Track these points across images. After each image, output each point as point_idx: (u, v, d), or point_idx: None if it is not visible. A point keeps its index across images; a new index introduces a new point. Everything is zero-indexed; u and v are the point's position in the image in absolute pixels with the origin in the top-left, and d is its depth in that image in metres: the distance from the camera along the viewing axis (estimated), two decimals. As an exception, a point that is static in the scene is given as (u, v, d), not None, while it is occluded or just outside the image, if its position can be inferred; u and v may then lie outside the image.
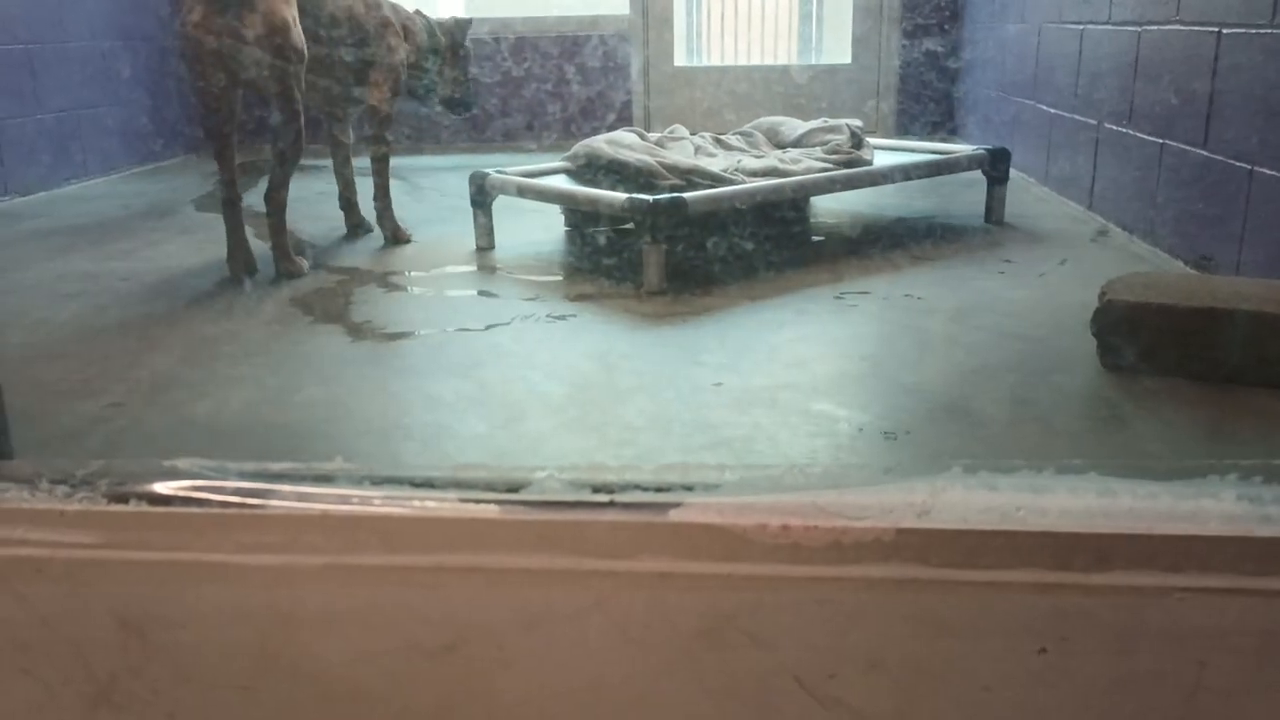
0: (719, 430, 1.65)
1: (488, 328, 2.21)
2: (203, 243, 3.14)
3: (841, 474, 0.62)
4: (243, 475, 0.63)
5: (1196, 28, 2.41)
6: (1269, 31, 2.11)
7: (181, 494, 0.63)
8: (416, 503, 0.60)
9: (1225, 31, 2.28)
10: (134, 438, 1.67)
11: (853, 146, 2.98)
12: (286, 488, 0.62)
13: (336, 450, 1.66)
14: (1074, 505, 0.58)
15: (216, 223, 3.41)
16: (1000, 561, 0.57)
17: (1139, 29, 2.73)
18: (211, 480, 0.64)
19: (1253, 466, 0.58)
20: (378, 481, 0.62)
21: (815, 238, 3.02)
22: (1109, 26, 2.94)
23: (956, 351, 2.04)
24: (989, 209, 3.06)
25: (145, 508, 0.62)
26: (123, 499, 0.63)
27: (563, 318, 2.26)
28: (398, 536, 0.60)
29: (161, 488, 0.63)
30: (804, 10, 4.64)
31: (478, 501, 0.60)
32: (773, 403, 1.78)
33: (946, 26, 4.41)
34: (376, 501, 0.61)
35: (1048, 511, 0.58)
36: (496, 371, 2.00)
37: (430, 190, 3.98)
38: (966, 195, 3.20)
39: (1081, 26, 3.15)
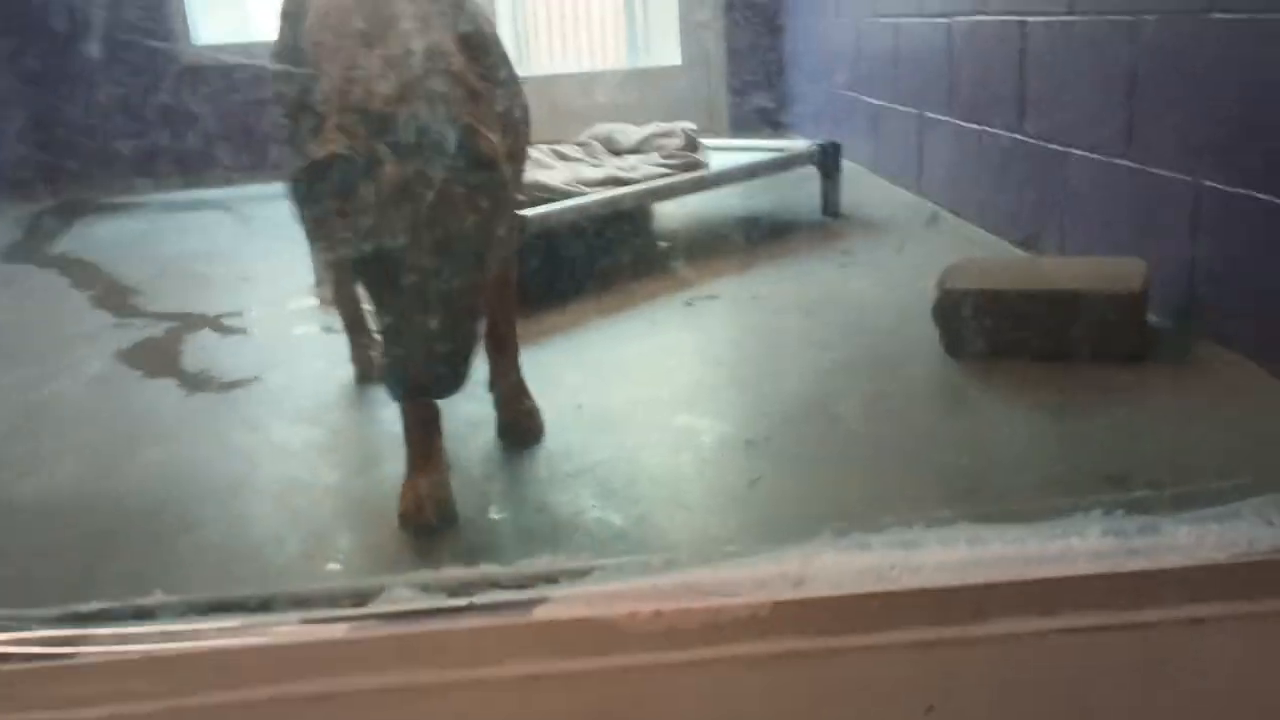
0: (582, 456, 1.62)
1: (332, 366, 2.11)
2: (13, 298, 2.92)
3: (713, 550, 0.60)
4: (48, 622, 0.57)
5: (1002, 17, 2.51)
6: (1068, 18, 2.21)
7: (-20, 652, 0.56)
8: (254, 630, 0.55)
9: (1029, 20, 2.38)
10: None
11: (688, 149, 3.00)
12: (102, 630, 0.56)
13: (182, 518, 1.57)
14: (947, 558, 0.57)
15: (25, 275, 3.19)
16: (879, 623, 0.56)
17: (949, 20, 2.83)
18: (13, 632, 0.57)
19: (1115, 500, 0.59)
20: (206, 609, 0.57)
21: (660, 244, 3.02)
22: (920, 19, 3.04)
23: (808, 350, 2.07)
24: (825, 202, 3.13)
25: (-62, 673, 0.55)
26: (-91, 665, 0.55)
27: (411, 350, 2.19)
28: (236, 669, 0.54)
29: (-45, 648, 0.56)
30: (629, 12, 4.65)
31: (323, 621, 0.56)
32: (633, 420, 1.77)
33: (771, 23, 4.49)
34: (208, 634, 0.55)
35: (921, 567, 0.57)
36: (345, 414, 1.92)
37: (262, 222, 3.82)
38: (803, 189, 3.26)
39: (895, 19, 3.25)
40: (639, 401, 1.83)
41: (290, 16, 1.64)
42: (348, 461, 1.72)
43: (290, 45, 1.72)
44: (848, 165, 3.22)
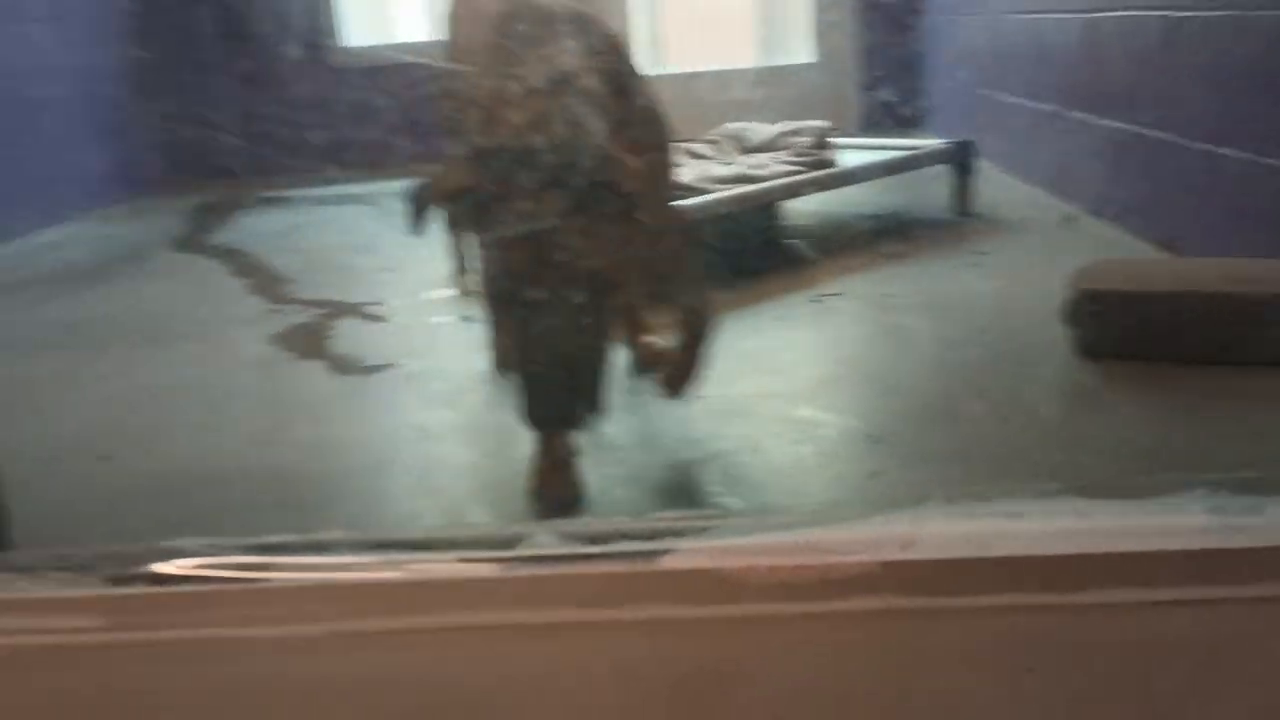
0: (706, 444, 1.66)
1: (469, 353, 2.21)
2: (178, 284, 3.13)
3: (827, 512, 0.64)
4: (241, 549, 0.65)
5: (1149, 12, 2.44)
6: (1217, 14, 2.14)
7: (183, 573, 0.64)
8: (415, 565, 0.62)
9: (1177, 15, 2.31)
10: (125, 492, 1.66)
11: (819, 147, 3.01)
12: (286, 559, 0.64)
13: (331, 491, 1.68)
14: (1051, 528, 0.60)
15: (190, 263, 3.42)
16: (983, 587, 0.58)
17: (1093, 15, 2.76)
18: (211, 557, 0.65)
19: (1221, 480, 0.60)
20: (374, 546, 0.64)
21: (787, 241, 3.04)
22: (1061, 15, 2.97)
23: (935, 348, 2.06)
24: (958, 201, 3.09)
25: (147, 589, 0.64)
26: (124, 582, 0.64)
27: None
28: (398, 599, 0.61)
29: (162, 568, 0.64)
30: (762, 10, 4.66)
31: (474, 561, 0.62)
32: (756, 412, 1.80)
33: (905, 20, 4.44)
34: (375, 566, 0.62)
35: (1026, 536, 0.59)
36: (481, 398, 2.01)
37: (403, 216, 3.97)
38: (935, 188, 3.23)
39: (1035, 15, 3.18)
40: (762, 394, 1.86)
41: (454, 19, 1.68)
42: (483, 442, 1.80)
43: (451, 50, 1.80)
44: (983, 165, 3.18)
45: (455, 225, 2.09)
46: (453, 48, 1.70)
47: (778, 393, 1.87)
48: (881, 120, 4.40)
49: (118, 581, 0.64)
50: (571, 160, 1.20)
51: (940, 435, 1.67)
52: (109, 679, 0.63)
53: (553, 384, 1.23)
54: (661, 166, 1.51)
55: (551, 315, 1.21)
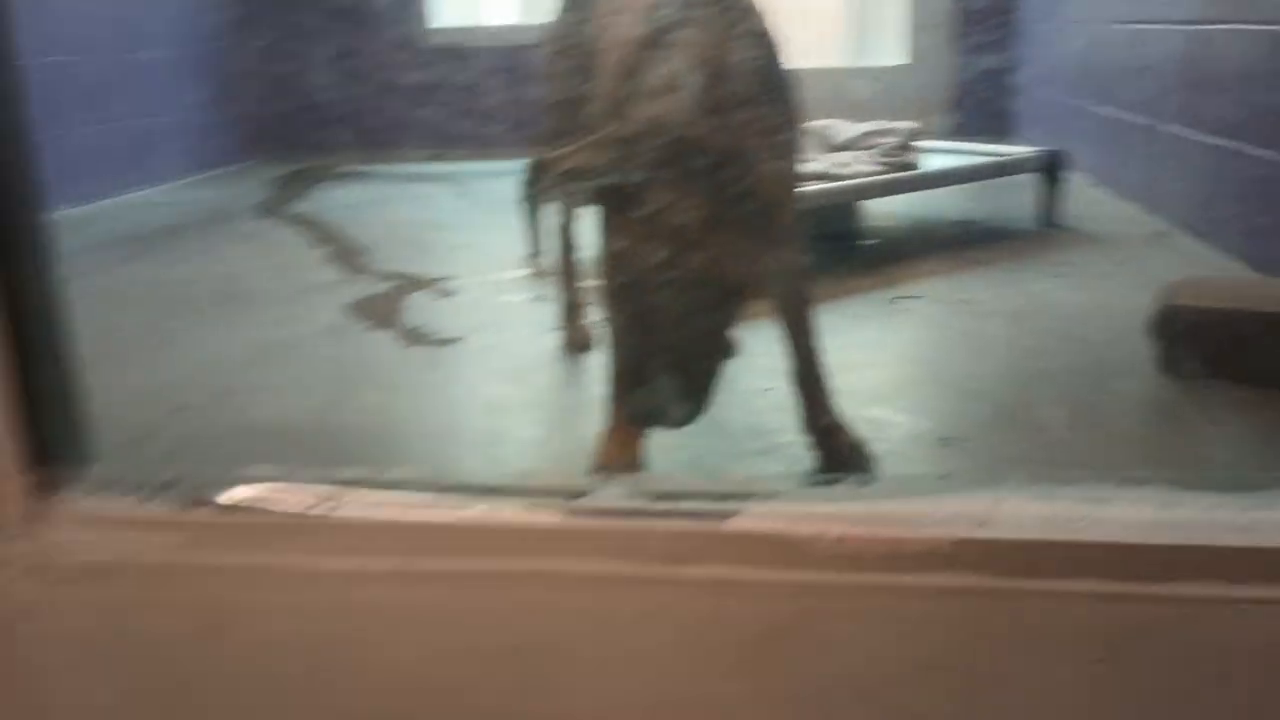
0: (771, 436, 1.65)
1: (539, 332, 2.22)
2: (260, 249, 3.20)
3: (900, 485, 0.63)
4: (312, 482, 0.66)
5: (1258, 27, 2.36)
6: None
7: (255, 500, 0.65)
8: (482, 509, 0.62)
9: (1287, 29, 2.24)
10: (199, 442, 1.71)
11: (905, 149, 2.96)
12: (356, 494, 0.64)
13: (394, 455, 1.70)
14: (1135, 517, 0.58)
15: (272, 230, 3.49)
16: (1059, 571, 0.57)
17: (1193, 28, 2.68)
18: (283, 487, 0.66)
19: (1318, 478, 0.57)
20: (444, 488, 0.64)
21: (867, 242, 3.00)
22: (1166, 26, 2.89)
23: (1014, 356, 2.02)
24: (1045, 211, 3.02)
25: (220, 513, 0.65)
26: (200, 504, 0.65)
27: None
28: (463, 541, 0.61)
29: (236, 494, 0.66)
30: (853, 10, 4.61)
31: (541, 508, 0.62)
32: (826, 407, 1.77)
33: (1002, 27, 4.36)
34: (443, 508, 0.63)
35: (1108, 522, 0.58)
36: (548, 376, 2.02)
37: (482, 196, 4.02)
38: (1023, 198, 3.16)
39: (1136, 26, 3.10)
40: (834, 391, 1.83)
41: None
42: (549, 419, 1.81)
43: (570, 27, 1.77)
44: (1072, 175, 3.10)
45: (569, 208, 2.08)
46: (587, 26, 1.66)
47: (849, 390, 1.84)
48: (971, 125, 4.33)
49: (193, 504, 0.65)
50: (711, 155, 1.14)
51: (1014, 443, 1.64)
52: (180, 596, 0.65)
53: (661, 382, 1.17)
54: (796, 161, 1.43)
55: (673, 313, 1.15)
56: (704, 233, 1.13)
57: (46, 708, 0.67)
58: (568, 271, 2.14)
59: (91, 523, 0.65)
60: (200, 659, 0.66)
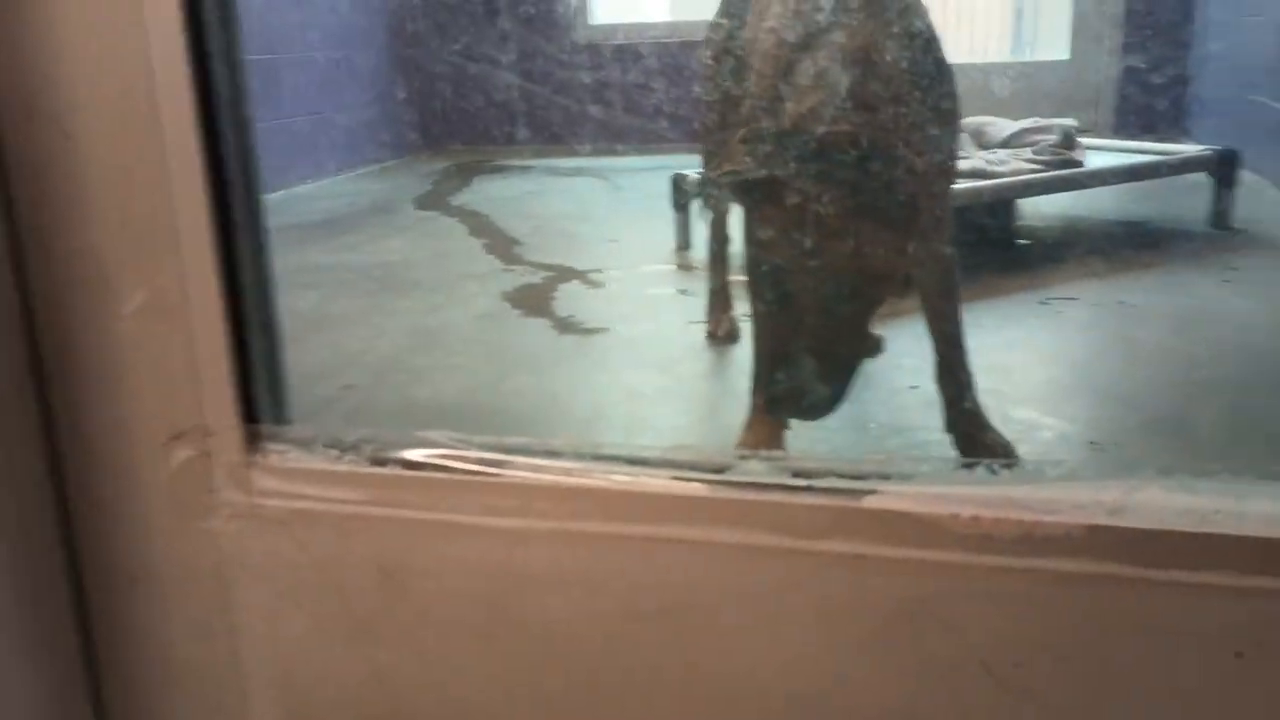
0: (914, 433, 1.65)
1: (685, 325, 2.27)
2: (420, 238, 3.35)
3: (1035, 470, 0.64)
4: (484, 446, 0.72)
5: None
6: None
7: (432, 460, 0.72)
8: (633, 478, 0.67)
9: None
10: (365, 416, 1.82)
11: (1064, 147, 2.88)
12: (521, 459, 0.70)
13: (544, 434, 1.77)
14: (1276, 511, 0.58)
15: (432, 220, 3.65)
16: (1196, 563, 0.57)
17: (1395, 19, 2.52)
18: (457, 450, 0.72)
19: None
20: (600, 458, 0.69)
21: (1021, 241, 2.93)
22: (1360, 17, 2.72)
23: (1173, 362, 1.96)
24: (1215, 213, 2.89)
25: (401, 471, 0.72)
26: (382, 463, 0.72)
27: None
28: (616, 506, 0.66)
29: (415, 454, 0.72)
30: (1017, 5, 4.49)
31: (687, 479, 0.66)
32: (971, 407, 1.76)
33: (1174, 17, 4.17)
34: (598, 475, 0.68)
35: (1247, 516, 0.58)
36: (692, 367, 2.07)
37: (632, 190, 4.10)
38: (1191, 199, 3.03)
39: (1327, 18, 2.93)
40: (980, 390, 1.82)
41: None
42: (692, 409, 1.85)
43: (727, 27, 1.80)
44: (1249, 176, 2.96)
45: (722, 204, 2.13)
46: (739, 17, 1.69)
47: (996, 390, 1.83)
48: (1139, 123, 4.16)
49: (377, 462, 0.72)
50: (860, 153, 1.14)
51: (1170, 452, 1.59)
52: (362, 546, 0.72)
53: (801, 375, 1.19)
54: (950, 147, 1.42)
55: (810, 305, 1.17)
56: (849, 225, 1.15)
57: (249, 632, 0.75)
58: (717, 264, 2.18)
59: (292, 475, 0.72)
60: (380, 600, 0.72)
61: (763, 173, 1.17)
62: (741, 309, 2.20)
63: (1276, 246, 2.73)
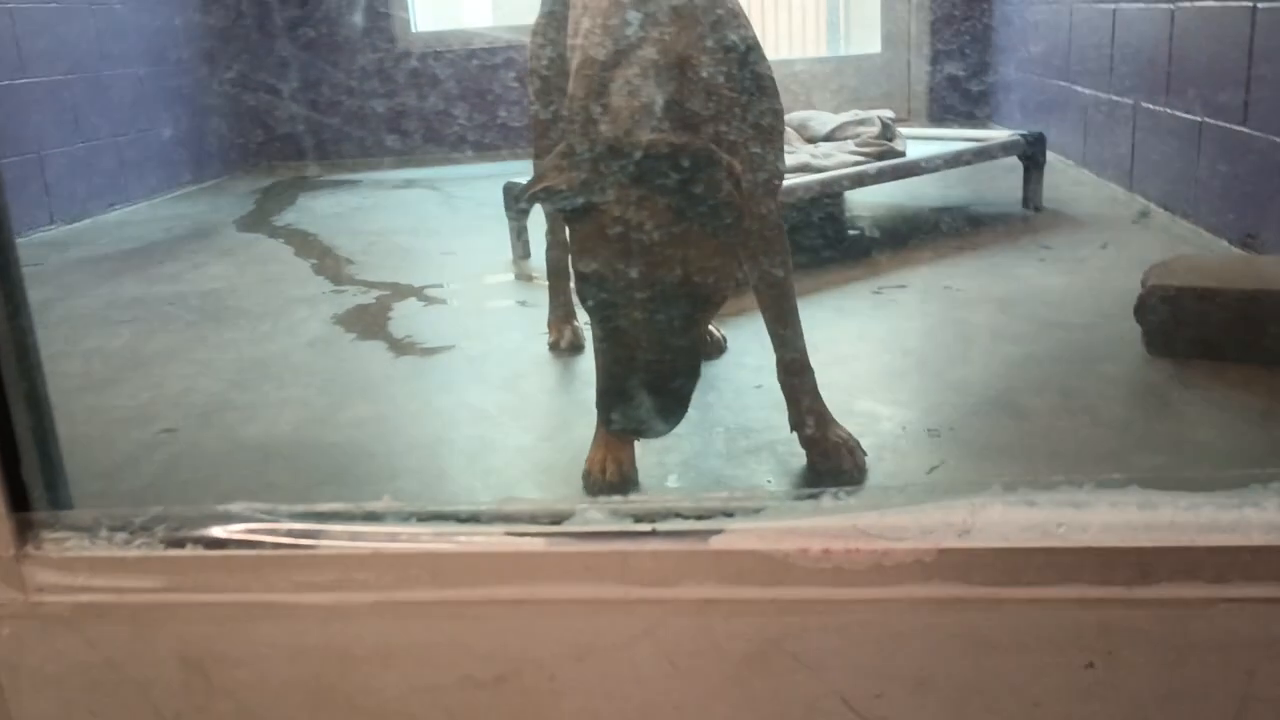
0: (762, 434, 1.65)
1: (527, 337, 2.22)
2: (243, 263, 3.19)
3: (882, 495, 0.63)
4: (294, 516, 0.65)
5: (1232, 4, 2.37)
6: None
7: (236, 537, 0.65)
8: (464, 537, 0.62)
9: (1262, 7, 2.24)
10: (189, 462, 1.70)
11: (884, 138, 2.96)
12: (337, 527, 0.64)
13: (385, 467, 1.70)
14: (1115, 520, 0.58)
15: (256, 243, 3.48)
16: (1043, 578, 0.57)
17: (1172, 6, 2.69)
18: (264, 523, 0.66)
19: (1296, 474, 0.58)
20: (425, 518, 0.64)
21: (850, 232, 3.00)
22: (1141, 4, 2.89)
23: (999, 343, 2.02)
24: (1026, 195, 3.03)
25: (202, 551, 0.65)
26: (180, 544, 0.65)
27: (599, 325, 2.27)
28: (446, 571, 0.61)
29: (217, 531, 0.66)
30: (833, 1, 4.61)
31: (523, 535, 0.62)
32: (814, 403, 1.78)
33: (977, 9, 4.36)
34: (425, 538, 0.63)
35: (1089, 527, 0.58)
36: (537, 382, 2.02)
37: (465, 200, 4.01)
38: (1003, 182, 3.17)
39: (1114, 5, 3.10)
40: (821, 385, 1.83)
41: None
42: (538, 426, 1.80)
43: (547, 36, 1.74)
44: (1053, 157, 3.11)
45: (553, 221, 2.09)
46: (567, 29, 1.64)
47: (836, 384, 1.85)
48: (950, 111, 4.34)
49: (173, 543, 0.65)
50: (679, 174, 1.11)
51: (1003, 430, 1.64)
52: (163, 638, 0.64)
53: (634, 391, 1.14)
54: (775, 156, 1.40)
55: (639, 323, 1.13)
56: (675, 246, 1.12)
57: (38, 750, 0.67)
58: (556, 274, 2.14)
59: (75, 566, 0.64)
60: (189, 698, 0.65)
61: (578, 199, 1.13)
62: (585, 318, 2.17)
63: (1082, 223, 2.88)
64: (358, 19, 4.66)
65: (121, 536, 0.66)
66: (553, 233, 2.14)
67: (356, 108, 4.70)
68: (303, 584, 0.63)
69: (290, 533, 0.65)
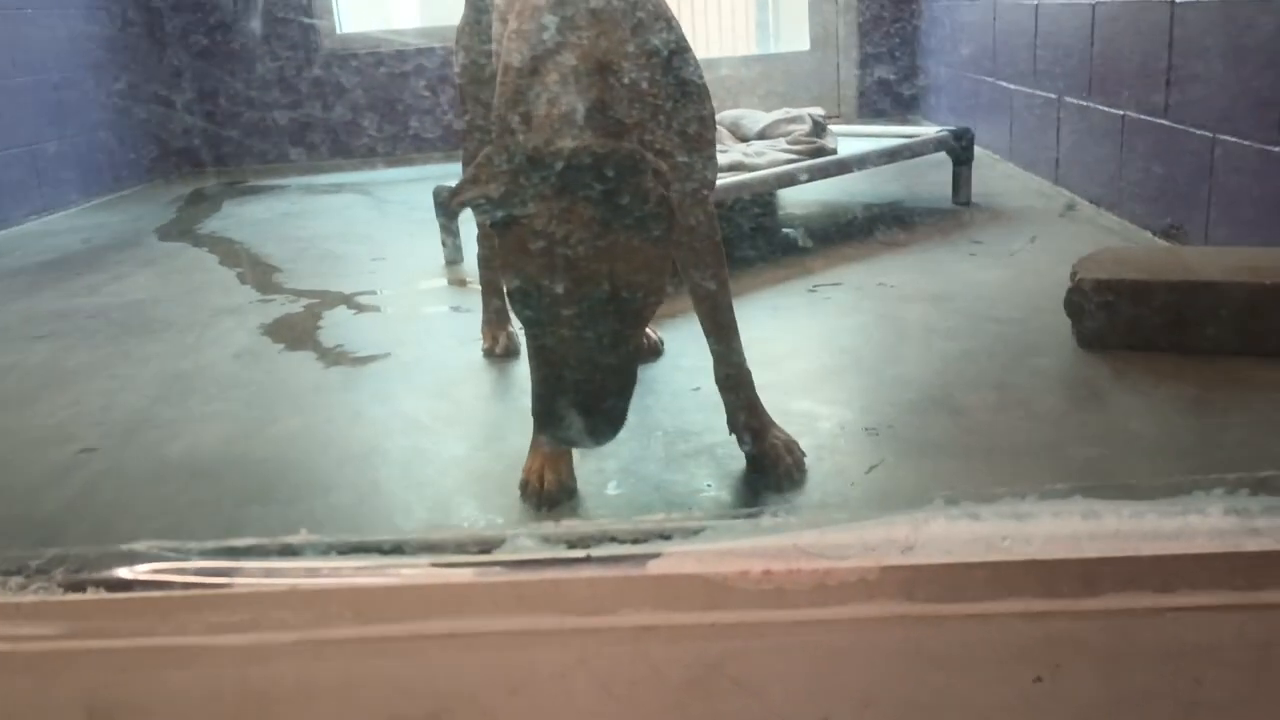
0: (700, 436, 1.63)
1: (461, 344, 2.18)
2: (167, 273, 3.10)
3: (822, 513, 0.61)
4: (205, 554, 0.62)
5: (1150, -2, 2.41)
6: (1222, -1, 2.11)
7: (142, 578, 0.61)
8: (388, 570, 0.59)
9: (1179, 0, 2.28)
10: (110, 483, 1.64)
11: (815, 135, 2.97)
12: (251, 564, 0.61)
13: (317, 481, 1.65)
14: (1059, 530, 0.57)
15: (179, 252, 3.38)
16: (988, 593, 0.56)
17: (1093, 1, 2.73)
18: (172, 562, 0.62)
19: (1239, 479, 0.57)
20: (346, 550, 0.61)
21: (784, 231, 3.01)
22: (1063, 0, 2.94)
23: (934, 339, 2.04)
24: (955, 189, 3.06)
25: (105, 594, 0.61)
26: (80, 587, 0.61)
27: (536, 329, 2.23)
28: (371, 606, 0.58)
29: (121, 573, 0.62)
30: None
31: (451, 565, 0.59)
32: (752, 405, 1.77)
33: (902, 7, 4.41)
34: (346, 572, 0.59)
35: (1033, 539, 0.57)
36: (472, 389, 1.98)
37: (396, 204, 3.95)
38: (932, 176, 3.20)
39: (1036, 1, 3.15)
40: (758, 385, 1.83)
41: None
42: (473, 435, 1.77)
43: (470, 50, 1.70)
44: (980, 152, 3.15)
45: (482, 225, 2.05)
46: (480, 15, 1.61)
47: (773, 384, 1.84)
48: (879, 108, 4.37)
49: (74, 587, 0.61)
50: (592, 168, 1.08)
51: (940, 428, 1.64)
52: (66, 688, 0.60)
53: (569, 404, 1.10)
54: (704, 163, 1.37)
55: (569, 337, 1.09)
56: (603, 257, 1.09)
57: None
58: (489, 279, 2.11)
59: (-34, 613, 0.60)
60: (95, 751, 0.62)
61: (498, 211, 1.10)
62: (520, 323, 2.14)
63: (1010, 217, 2.91)
64: (282, 20, 4.57)
65: (16, 581, 0.62)
66: (485, 237, 2.11)
67: (282, 112, 4.61)
68: (216, 625, 0.59)
69: (201, 570, 0.61)
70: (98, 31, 4.36)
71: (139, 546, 0.63)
